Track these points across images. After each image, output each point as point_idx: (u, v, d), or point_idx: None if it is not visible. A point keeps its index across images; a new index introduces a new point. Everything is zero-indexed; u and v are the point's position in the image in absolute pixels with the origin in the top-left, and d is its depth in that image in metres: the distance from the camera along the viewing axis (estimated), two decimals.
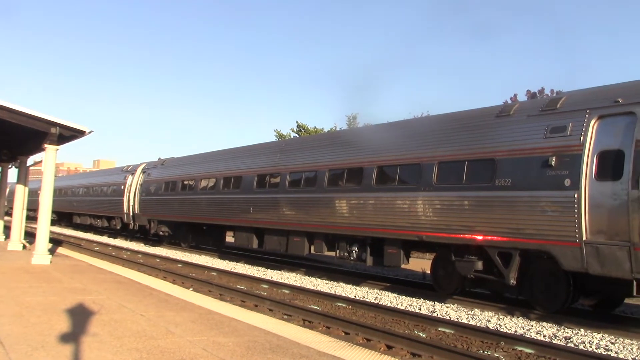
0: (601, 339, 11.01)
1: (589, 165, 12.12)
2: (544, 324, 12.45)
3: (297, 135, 50.48)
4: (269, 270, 21.97)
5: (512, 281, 13.40)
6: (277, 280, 18.45)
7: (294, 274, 20.81)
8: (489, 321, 12.65)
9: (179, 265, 23.03)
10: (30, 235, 26.12)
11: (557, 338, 11.19)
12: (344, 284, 18.12)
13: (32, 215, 40.56)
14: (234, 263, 24.45)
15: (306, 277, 20.14)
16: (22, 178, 23.79)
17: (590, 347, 10.50)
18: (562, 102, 13.46)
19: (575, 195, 12.09)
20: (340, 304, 14.40)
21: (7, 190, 29.95)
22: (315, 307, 13.75)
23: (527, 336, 11.18)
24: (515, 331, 11.73)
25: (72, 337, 7.74)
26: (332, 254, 20.05)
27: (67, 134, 17.77)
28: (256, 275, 20.02)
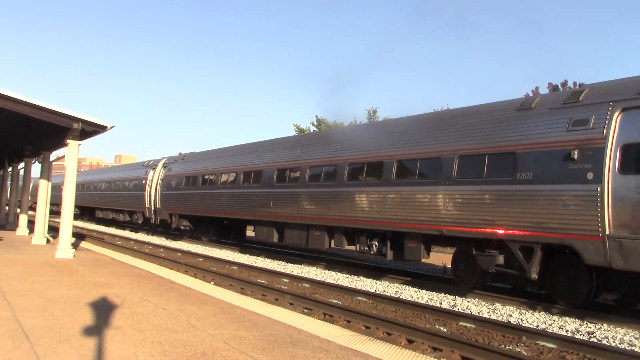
0: (625, 334, 10.89)
1: (612, 159, 11.98)
2: (567, 318, 12.36)
3: (316, 129, 50.45)
4: (289, 264, 22.04)
5: (534, 275, 13.30)
6: (298, 275, 18.50)
7: (314, 268, 20.85)
8: (511, 316, 12.58)
9: (200, 260, 23.18)
10: (53, 230, 26.46)
11: (580, 333, 11.09)
12: (364, 278, 18.12)
13: (55, 209, 41.09)
14: (255, 257, 24.55)
15: (326, 271, 20.17)
16: (45, 173, 24.08)
17: (614, 342, 10.39)
18: (585, 94, 13.29)
19: (598, 189, 11.96)
20: (360, 298, 14.40)
21: (31, 185, 30.37)
22: (335, 301, 13.76)
23: (549, 331, 11.10)
24: (537, 326, 11.65)
25: (96, 330, 7.82)
26: (352, 248, 20.08)
27: (89, 129, 17.95)
28: (277, 269, 20.09)
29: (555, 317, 12.53)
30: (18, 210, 30.27)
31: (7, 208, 34.71)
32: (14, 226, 28.61)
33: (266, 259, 24.01)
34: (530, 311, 13.25)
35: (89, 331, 7.74)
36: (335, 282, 16.92)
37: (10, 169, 34.43)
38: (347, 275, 18.82)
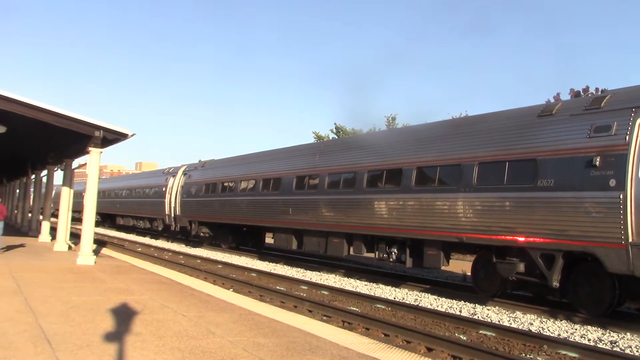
0: None
1: (635, 165, 11.83)
2: (589, 327, 12.20)
3: (335, 136, 50.47)
4: (308, 271, 22.03)
5: (555, 283, 13.16)
6: (316, 282, 18.49)
7: (333, 275, 20.82)
8: (532, 324, 12.45)
9: (220, 266, 23.26)
10: (75, 236, 26.72)
11: (603, 342, 10.95)
12: (383, 286, 18.05)
13: (77, 216, 41.50)
14: (274, 264, 24.58)
15: (345, 278, 20.13)
16: (68, 180, 24.35)
17: (637, 351, 10.24)
18: (607, 100, 13.16)
19: (621, 196, 11.81)
20: (379, 306, 14.35)
21: (53, 192, 30.71)
22: (354, 309, 13.73)
23: (571, 340, 10.97)
24: (559, 334, 11.52)
25: (116, 336, 7.89)
26: (371, 255, 19.99)
27: (111, 137, 18.14)
28: (295, 276, 20.09)
29: (577, 326, 12.38)
30: (40, 217, 30.64)
31: (30, 215, 35.15)
32: (36, 233, 28.97)
33: (285, 266, 24.03)
34: (552, 320, 13.11)
35: (110, 337, 7.80)
36: (354, 290, 16.88)
37: (33, 176, 34.87)
38: (366, 283, 18.76)
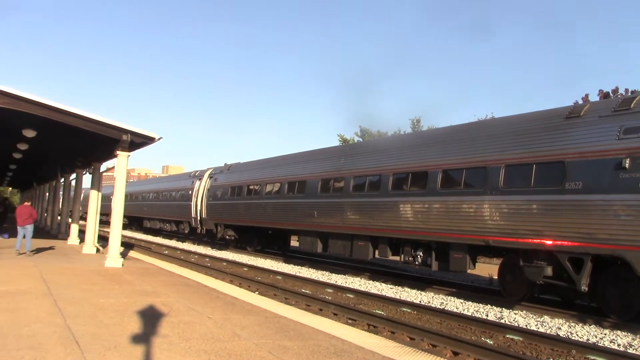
0: None
1: None
2: (618, 332, 12.01)
3: (360, 139, 50.44)
4: (333, 274, 22.02)
5: (584, 288, 12.99)
6: (342, 285, 18.47)
7: (358, 279, 20.79)
8: (560, 329, 12.30)
9: (245, 269, 23.36)
10: (103, 239, 27.06)
11: (633, 347, 10.77)
12: (408, 289, 17.98)
13: (104, 219, 41.95)
14: (299, 267, 24.61)
15: (370, 281, 20.08)
16: (96, 184, 24.65)
17: None
18: (636, 101, 12.97)
19: None
20: (405, 309, 14.30)
21: (82, 195, 31.15)
22: (379, 312, 13.69)
23: (600, 345, 10.82)
24: (588, 339, 11.36)
25: (143, 338, 7.96)
26: (397, 258, 19.94)
27: (138, 141, 18.32)
28: (320, 279, 20.10)
29: (606, 331, 12.20)
30: (69, 220, 31.08)
31: (59, 218, 35.70)
32: (65, 235, 29.39)
33: (310, 268, 24.05)
34: (580, 324, 12.93)
35: (137, 339, 7.88)
36: (379, 293, 16.84)
37: (62, 179, 35.40)
38: (392, 286, 18.70)
